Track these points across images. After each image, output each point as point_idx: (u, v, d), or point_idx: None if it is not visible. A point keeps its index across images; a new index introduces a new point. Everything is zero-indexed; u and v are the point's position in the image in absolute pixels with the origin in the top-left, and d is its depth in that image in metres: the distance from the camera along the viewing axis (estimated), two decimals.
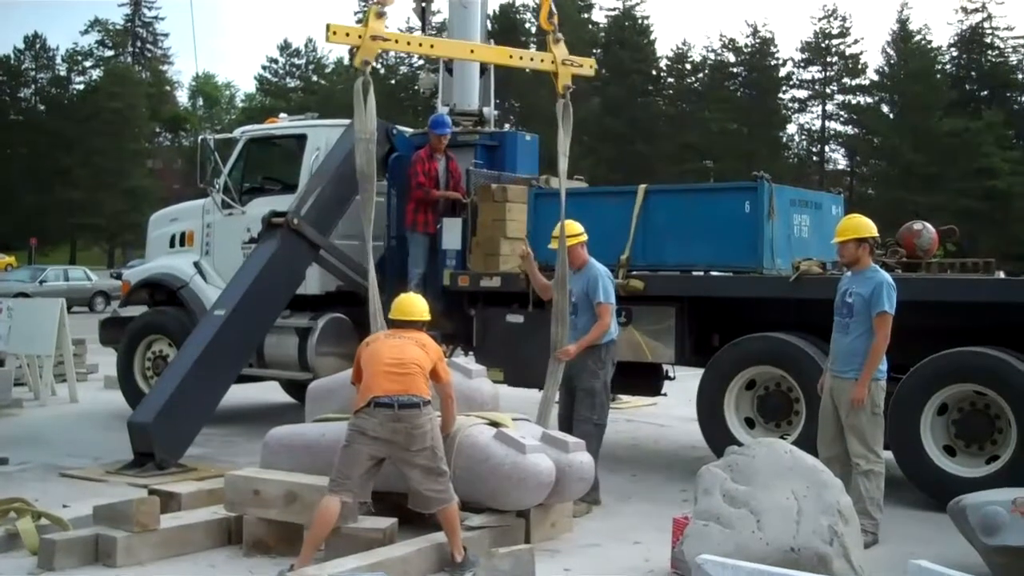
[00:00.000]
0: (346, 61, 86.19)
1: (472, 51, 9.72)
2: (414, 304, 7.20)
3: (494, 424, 7.45)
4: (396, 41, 8.61)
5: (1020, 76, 72.30)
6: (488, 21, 13.38)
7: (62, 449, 10.76)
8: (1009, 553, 6.19)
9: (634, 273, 10.02)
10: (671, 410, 13.09)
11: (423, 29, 15.17)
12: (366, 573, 5.72)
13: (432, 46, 9.17)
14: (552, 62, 9.10)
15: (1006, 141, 64.04)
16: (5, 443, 10.78)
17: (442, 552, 6.64)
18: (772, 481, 6.22)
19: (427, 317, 7.16)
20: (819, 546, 5.90)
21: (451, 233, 11.34)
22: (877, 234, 7.90)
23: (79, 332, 16.69)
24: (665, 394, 11.32)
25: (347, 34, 8.31)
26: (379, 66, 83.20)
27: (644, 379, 10.96)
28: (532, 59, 9.50)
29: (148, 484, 8.41)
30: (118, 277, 33.73)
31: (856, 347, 7.65)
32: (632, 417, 13.66)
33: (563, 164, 8.95)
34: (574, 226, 8.70)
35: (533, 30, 66.89)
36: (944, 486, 8.24)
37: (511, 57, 9.67)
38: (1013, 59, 72.77)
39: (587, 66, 9.39)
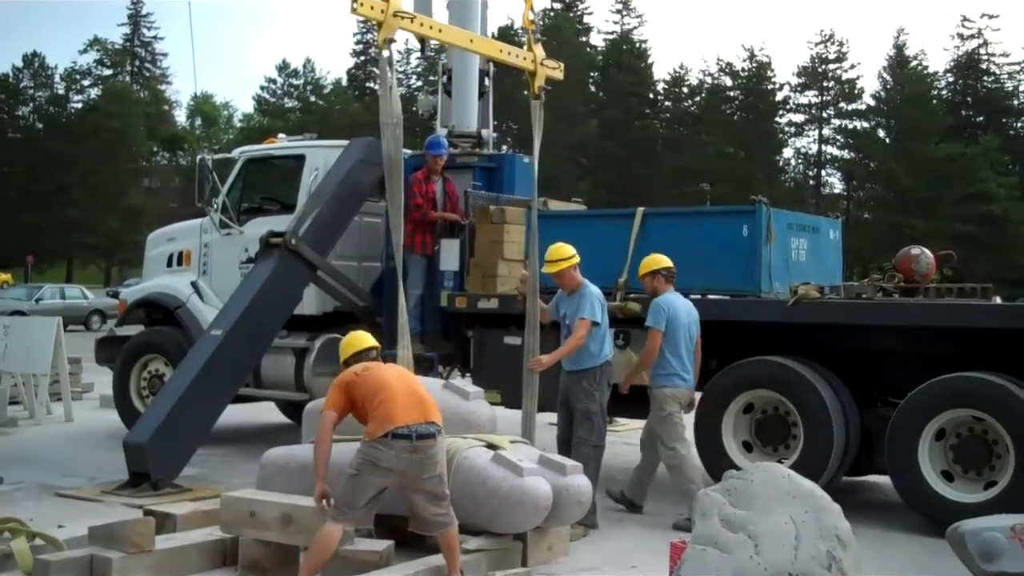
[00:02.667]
0: (344, 82, 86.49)
1: (471, 40, 10.09)
2: (365, 334, 7.18)
3: (491, 446, 7.43)
4: (413, 20, 8.69)
5: (1016, 102, 72.52)
6: None
7: (57, 468, 10.72)
8: None
9: (632, 296, 10.03)
10: None
11: (422, 51, 15.21)
12: None
13: (440, 30, 9.48)
14: (532, 61, 9.40)
15: (1002, 166, 64.16)
16: None
17: (443, 573, 6.62)
18: (770, 506, 6.20)
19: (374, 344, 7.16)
20: (817, 571, 5.87)
21: (449, 255, 11.34)
22: (669, 264, 8.93)
23: (75, 351, 16.65)
24: None
25: (372, 7, 8.34)
26: (378, 87, 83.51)
27: (641, 402, 10.94)
28: (516, 56, 9.79)
29: (144, 504, 8.39)
30: (115, 296, 33.70)
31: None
32: (629, 440, 13.58)
33: (535, 162, 9.26)
34: (566, 249, 8.70)
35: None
36: (942, 511, 8.23)
37: (500, 51, 9.98)
38: (1009, 85, 72.98)
39: (560, 69, 9.88)
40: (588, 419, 8.52)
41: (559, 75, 9.89)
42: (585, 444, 8.47)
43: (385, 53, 8.13)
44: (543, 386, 9.01)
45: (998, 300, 10.25)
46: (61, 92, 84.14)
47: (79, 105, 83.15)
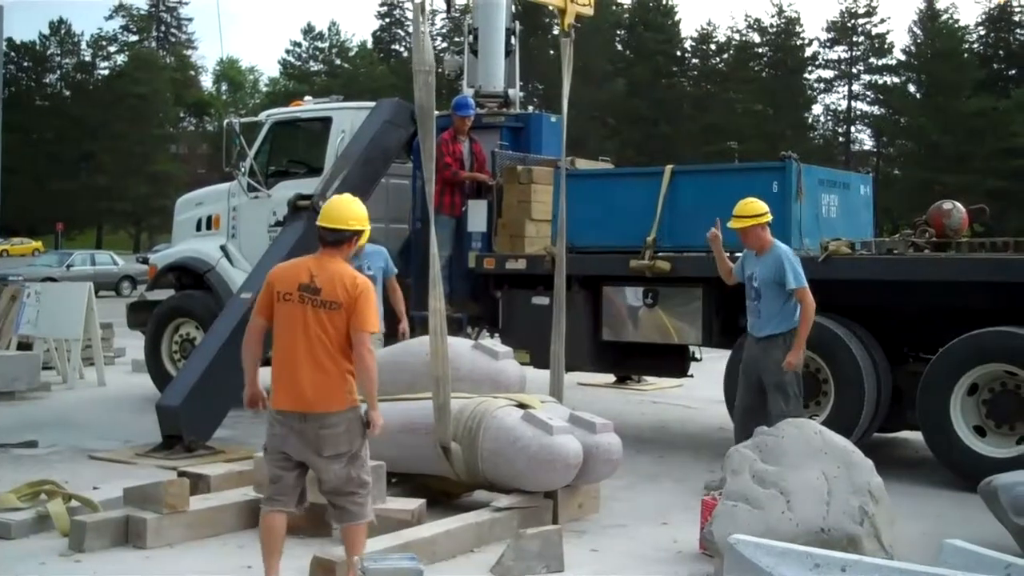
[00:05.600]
0: (369, 45, 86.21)
1: None
2: (348, 208, 5.72)
3: (522, 406, 7.44)
4: None
5: None
6: (513, 4, 13.30)
7: (91, 432, 10.82)
8: None
9: (660, 254, 9.99)
10: (698, 391, 13.06)
11: (448, 11, 15.13)
12: (395, 554, 5.73)
13: None
14: None
15: None
16: (34, 426, 10.86)
17: (474, 532, 6.66)
18: (802, 461, 6.20)
19: (363, 226, 5.76)
20: (849, 526, 5.87)
21: (477, 215, 11.33)
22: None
23: (106, 316, 16.78)
24: (692, 375, 11.31)
25: None
26: (403, 49, 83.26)
27: (670, 361, 10.96)
28: None
29: (177, 466, 8.45)
30: (144, 261, 33.92)
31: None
32: (658, 399, 13.64)
33: (565, 105, 8.99)
34: (757, 205, 8.14)
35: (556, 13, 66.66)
36: (974, 466, 8.18)
37: None
38: None
39: (590, 5, 9.67)
40: (782, 391, 7.96)
41: (589, 11, 9.74)
42: (783, 417, 7.68)
43: (418, 1, 8.01)
44: (570, 346, 8.97)
45: None
46: (88, 59, 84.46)
47: (106, 72, 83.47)
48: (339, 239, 5.63)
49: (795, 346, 7.89)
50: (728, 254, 8.60)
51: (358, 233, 5.71)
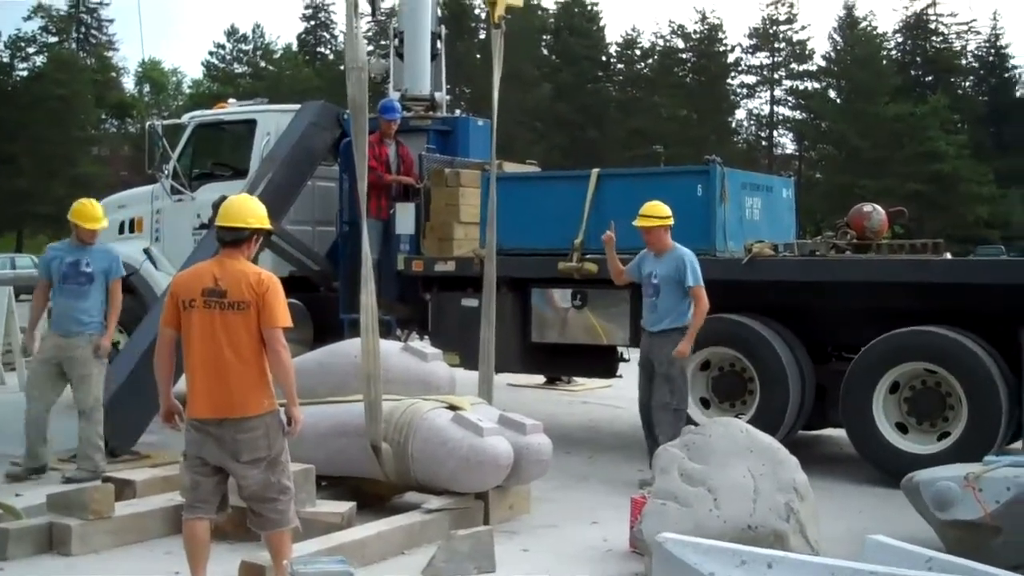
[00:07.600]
0: (294, 47, 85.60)
1: None
2: (245, 206, 5.65)
3: (452, 407, 7.45)
4: None
5: (964, 61, 73.17)
6: (439, 8, 13.30)
7: (12, 438, 10.55)
8: (961, 527, 6.29)
9: (588, 257, 10.05)
10: (626, 392, 13.07)
11: (373, 14, 15.06)
12: (325, 557, 5.70)
13: None
14: None
15: (951, 125, 64.55)
16: None
17: (405, 534, 6.65)
18: (728, 460, 6.28)
19: (263, 224, 5.64)
20: (776, 523, 5.96)
21: (404, 218, 11.31)
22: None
23: (27, 320, 16.42)
24: (620, 376, 11.39)
25: None
26: (329, 52, 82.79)
27: (599, 361, 11.03)
28: None
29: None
30: None
31: None
32: (587, 399, 13.72)
33: (495, 97, 9.04)
34: (663, 208, 8.49)
35: (483, 16, 66.71)
36: (896, 463, 8.36)
37: None
38: (957, 44, 73.57)
39: None
40: (668, 383, 8.35)
41: (519, 2, 9.79)
42: (666, 408, 8.34)
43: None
44: (499, 348, 9.00)
45: (948, 256, 10.37)
46: (6, 60, 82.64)
47: (24, 73, 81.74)
48: (237, 238, 5.55)
49: (687, 337, 8.29)
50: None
51: (257, 232, 5.63)
